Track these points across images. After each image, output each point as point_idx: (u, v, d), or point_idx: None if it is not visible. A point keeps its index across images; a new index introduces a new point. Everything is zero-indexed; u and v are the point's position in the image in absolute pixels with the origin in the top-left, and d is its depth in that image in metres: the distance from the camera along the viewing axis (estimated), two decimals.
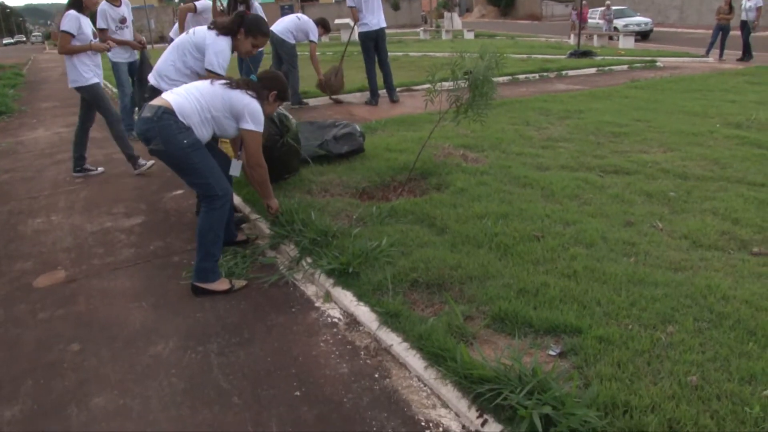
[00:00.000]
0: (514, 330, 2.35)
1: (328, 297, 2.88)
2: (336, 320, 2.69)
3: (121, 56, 6.33)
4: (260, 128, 2.90)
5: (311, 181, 4.22)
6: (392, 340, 2.40)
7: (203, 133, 2.86)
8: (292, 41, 7.40)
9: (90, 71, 4.90)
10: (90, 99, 5.02)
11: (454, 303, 2.52)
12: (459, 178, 4.17)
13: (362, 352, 2.43)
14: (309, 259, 3.14)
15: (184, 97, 2.81)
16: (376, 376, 2.27)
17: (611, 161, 4.66)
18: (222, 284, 2.96)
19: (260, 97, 2.94)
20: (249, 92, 2.88)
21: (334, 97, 8.26)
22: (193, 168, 2.81)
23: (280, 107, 3.96)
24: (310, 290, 2.99)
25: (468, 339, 2.31)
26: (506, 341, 2.31)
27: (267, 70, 3.12)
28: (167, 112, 2.74)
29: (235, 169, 3.18)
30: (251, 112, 2.86)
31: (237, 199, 4.17)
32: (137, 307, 2.86)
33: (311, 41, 7.41)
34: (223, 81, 2.92)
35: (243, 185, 4.27)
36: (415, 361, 2.26)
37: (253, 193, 4.03)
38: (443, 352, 2.19)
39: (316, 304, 2.84)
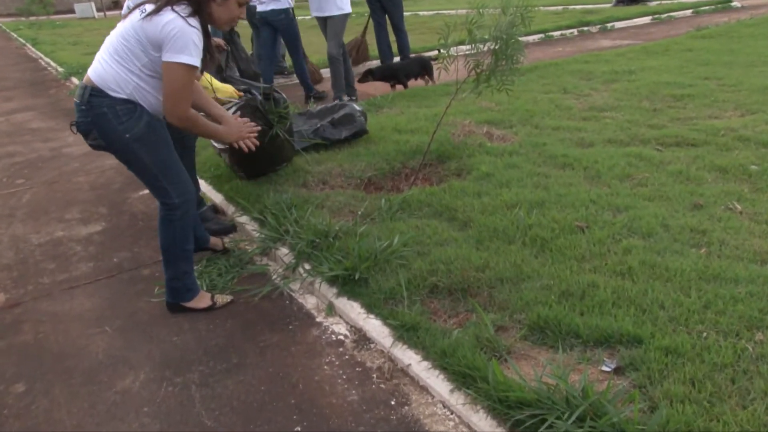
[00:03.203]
0: (557, 342, 2.33)
1: (331, 310, 2.87)
2: (342, 337, 2.68)
3: None
4: (184, 57, 2.39)
5: (307, 172, 4.22)
6: (410, 358, 2.39)
7: (151, 99, 2.57)
8: None
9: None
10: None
11: (482, 311, 2.51)
12: (483, 161, 4.15)
13: (374, 375, 2.41)
14: (307, 266, 3.14)
15: (100, 62, 2.52)
16: (393, 403, 2.25)
17: (672, 131, 4.61)
18: (201, 301, 2.96)
19: (201, 2, 2.46)
20: (176, 6, 2.41)
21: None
22: (142, 166, 2.63)
23: (275, 90, 3.89)
24: (309, 302, 2.99)
25: (501, 354, 2.28)
26: (548, 356, 2.28)
27: None
28: (94, 93, 2.49)
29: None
30: (171, 34, 2.37)
31: (218, 197, 4.18)
32: (99, 333, 2.86)
33: None
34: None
35: (225, 180, 4.28)
36: (438, 383, 2.24)
37: (238, 190, 4.03)
38: (472, 371, 2.17)
39: (318, 319, 2.84)
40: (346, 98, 6.72)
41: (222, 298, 3.01)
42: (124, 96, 2.52)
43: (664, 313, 2.41)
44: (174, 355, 2.65)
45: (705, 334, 2.27)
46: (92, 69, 2.55)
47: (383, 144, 4.69)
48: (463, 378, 2.19)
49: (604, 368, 2.18)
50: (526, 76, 6.80)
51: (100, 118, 2.51)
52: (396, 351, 2.46)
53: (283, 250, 3.34)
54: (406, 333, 2.49)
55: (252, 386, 2.41)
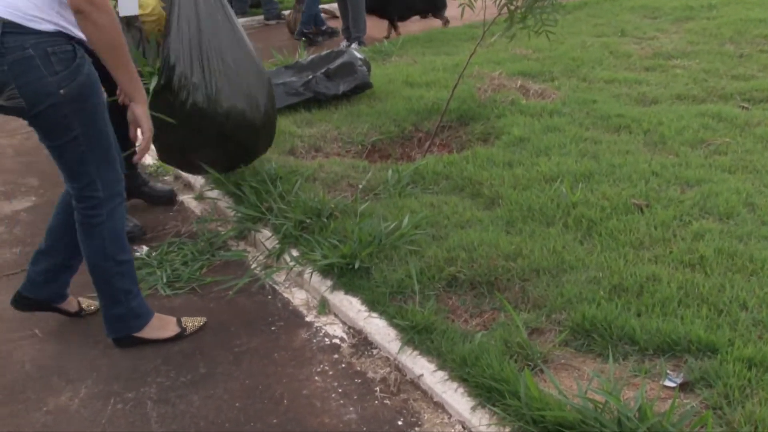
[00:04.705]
0: (606, 349, 2.32)
1: (324, 307, 2.87)
2: (337, 341, 2.68)
3: None
4: None
5: (294, 135, 4.21)
6: (422, 367, 2.39)
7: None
8: None
9: None
10: None
11: (513, 309, 2.50)
12: (516, 123, 4.14)
13: (378, 388, 2.41)
14: (294, 252, 3.14)
15: None
16: (400, 423, 2.25)
17: (763, 83, 4.59)
18: (165, 328, 2.71)
19: None
20: None
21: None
22: (69, 140, 2.34)
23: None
24: (297, 298, 2.99)
25: (536, 363, 2.28)
26: (595, 366, 2.28)
27: None
28: (10, 29, 2.15)
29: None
30: None
31: None
32: (27, 338, 2.82)
33: None
34: None
35: None
36: (456, 398, 2.24)
37: None
38: (499, 384, 2.17)
39: (308, 318, 2.84)
40: (345, 44, 6.66)
41: (192, 322, 2.79)
42: (51, 28, 2.20)
43: (746, 314, 2.39)
44: (124, 364, 2.63)
45: None
46: None
47: (391, 101, 4.68)
48: (487, 392, 2.19)
49: (668, 383, 2.18)
50: (572, 14, 6.78)
51: (23, 64, 2.19)
52: (404, 358, 2.46)
53: (265, 233, 3.33)
54: (417, 336, 2.49)
55: (224, 402, 2.40)
